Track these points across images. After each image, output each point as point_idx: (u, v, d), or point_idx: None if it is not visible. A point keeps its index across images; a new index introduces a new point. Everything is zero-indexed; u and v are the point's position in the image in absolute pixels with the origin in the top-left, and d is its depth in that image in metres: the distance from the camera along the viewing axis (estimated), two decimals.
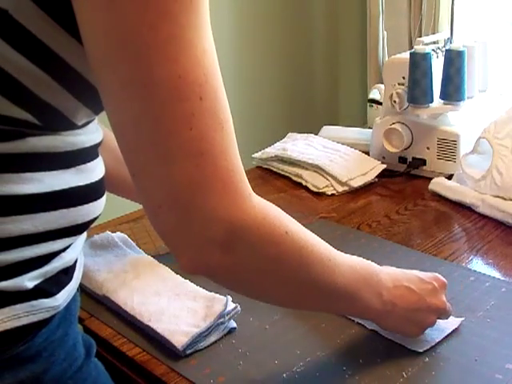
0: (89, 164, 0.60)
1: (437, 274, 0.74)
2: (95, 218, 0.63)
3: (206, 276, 0.57)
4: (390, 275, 0.70)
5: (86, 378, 0.65)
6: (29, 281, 0.57)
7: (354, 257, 0.68)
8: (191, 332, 0.74)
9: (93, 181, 0.61)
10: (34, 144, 0.54)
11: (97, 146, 0.63)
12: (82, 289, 0.87)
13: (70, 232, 0.60)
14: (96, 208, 0.62)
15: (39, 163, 0.55)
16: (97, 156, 0.63)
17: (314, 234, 0.64)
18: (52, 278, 0.59)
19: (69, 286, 0.62)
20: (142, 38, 0.46)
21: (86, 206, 0.60)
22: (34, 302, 0.57)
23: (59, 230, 0.58)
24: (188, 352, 0.74)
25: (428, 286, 0.72)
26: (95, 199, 0.62)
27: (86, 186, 0.60)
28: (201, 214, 0.51)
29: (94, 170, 0.62)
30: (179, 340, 0.74)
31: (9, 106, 0.52)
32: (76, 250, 0.63)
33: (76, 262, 0.64)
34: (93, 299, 0.87)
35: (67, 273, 0.62)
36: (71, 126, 0.57)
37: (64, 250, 0.60)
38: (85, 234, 0.66)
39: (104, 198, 0.64)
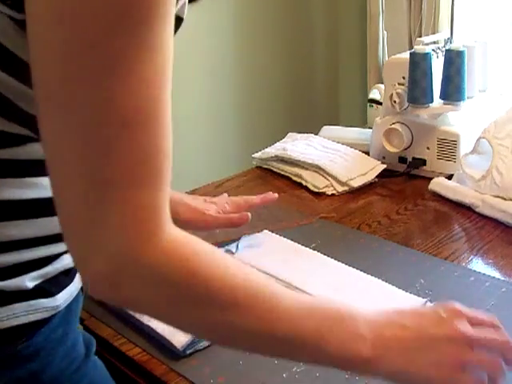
0: None
1: (447, 304, 0.57)
2: None
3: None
4: (369, 318, 0.54)
5: (84, 379, 0.66)
6: (29, 281, 0.57)
7: (312, 299, 0.57)
8: None
9: None
10: (34, 150, 0.54)
11: None
12: (82, 289, 0.87)
13: None
14: None
15: (40, 168, 0.54)
16: None
17: (251, 273, 0.54)
18: (52, 279, 0.60)
19: (70, 287, 0.62)
20: (80, 57, 0.42)
21: None
22: (32, 302, 0.58)
23: (60, 234, 0.58)
24: (188, 352, 0.74)
25: (429, 316, 0.56)
26: None
27: None
28: (93, 245, 0.46)
29: None
30: (179, 340, 0.74)
31: (4, 122, 0.52)
32: None
33: None
34: (93, 299, 0.87)
35: (68, 274, 0.62)
36: None
37: (66, 251, 0.60)
38: None
39: None
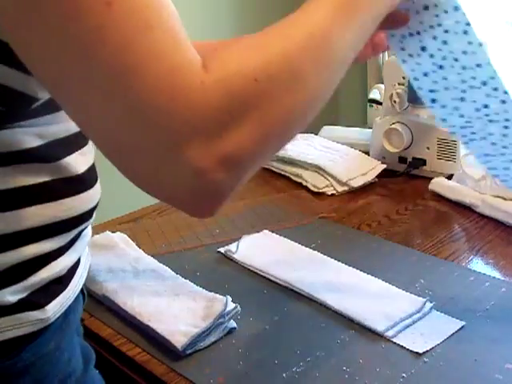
0: (67, 158, 0.56)
1: None
2: (85, 214, 0.58)
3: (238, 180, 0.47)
4: None
5: None
6: (10, 295, 0.52)
7: None
8: (191, 332, 0.74)
9: (72, 175, 0.56)
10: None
11: (76, 136, 0.57)
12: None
13: (53, 231, 0.55)
14: (83, 202, 0.58)
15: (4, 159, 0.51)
16: (78, 148, 0.58)
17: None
18: (41, 289, 0.55)
19: (62, 295, 0.57)
20: None
21: (67, 200, 0.56)
22: (18, 315, 0.53)
23: (38, 228, 0.53)
24: (188, 352, 0.74)
25: None
26: (78, 193, 0.57)
27: (64, 179, 0.56)
28: (161, 140, 0.42)
29: (76, 164, 0.57)
30: (179, 340, 0.74)
31: None
32: (72, 257, 0.58)
33: (74, 267, 0.59)
34: (93, 299, 0.87)
35: (61, 282, 0.57)
36: (34, 102, 0.51)
37: (54, 257, 0.56)
38: (86, 238, 0.61)
39: (93, 191, 0.60)
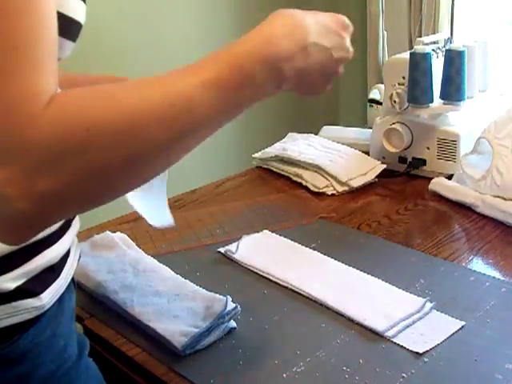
0: None
1: (343, 19, 0.67)
2: None
3: (39, 227, 0.47)
4: (292, 38, 0.58)
5: (75, 381, 0.64)
6: (9, 281, 0.55)
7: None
8: (191, 332, 0.74)
9: None
10: None
11: None
12: (82, 289, 0.87)
13: None
14: None
15: None
16: None
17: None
18: (36, 277, 0.57)
19: (55, 283, 0.60)
20: None
21: None
22: (15, 304, 0.56)
23: None
24: (188, 352, 0.74)
25: (337, 38, 0.64)
26: None
27: None
28: None
29: None
30: (179, 340, 0.74)
31: None
32: (63, 245, 0.61)
33: (65, 257, 0.62)
34: (93, 299, 0.87)
35: (53, 270, 0.60)
36: None
37: (47, 245, 0.58)
38: (75, 228, 0.63)
39: None
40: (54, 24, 0.46)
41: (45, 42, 0.45)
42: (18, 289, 0.56)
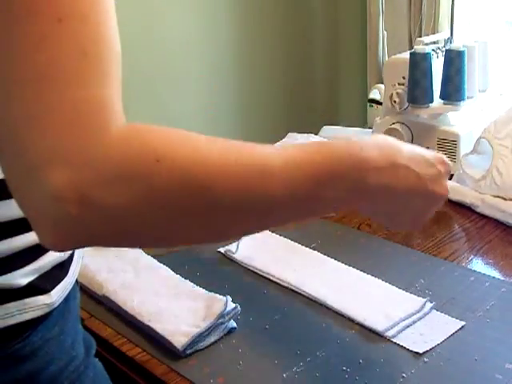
0: None
1: (442, 156, 0.63)
2: None
3: (86, 245, 0.46)
4: (383, 152, 0.55)
5: (84, 379, 0.64)
6: (21, 277, 0.56)
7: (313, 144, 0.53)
8: (191, 332, 0.74)
9: None
10: None
11: None
12: (82, 289, 0.87)
13: None
14: None
15: None
16: None
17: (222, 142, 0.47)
18: (46, 274, 0.58)
19: (64, 281, 0.61)
20: None
21: None
22: (27, 300, 0.56)
23: None
24: (188, 352, 0.74)
25: (433, 170, 0.60)
26: None
27: None
28: (36, 158, 0.40)
29: None
30: (179, 340, 0.74)
31: None
32: None
33: (72, 255, 0.63)
34: (93, 299, 0.87)
35: (62, 267, 0.60)
36: None
37: None
38: None
39: None
40: (115, 28, 0.44)
41: (111, 48, 0.43)
42: (29, 285, 0.56)
